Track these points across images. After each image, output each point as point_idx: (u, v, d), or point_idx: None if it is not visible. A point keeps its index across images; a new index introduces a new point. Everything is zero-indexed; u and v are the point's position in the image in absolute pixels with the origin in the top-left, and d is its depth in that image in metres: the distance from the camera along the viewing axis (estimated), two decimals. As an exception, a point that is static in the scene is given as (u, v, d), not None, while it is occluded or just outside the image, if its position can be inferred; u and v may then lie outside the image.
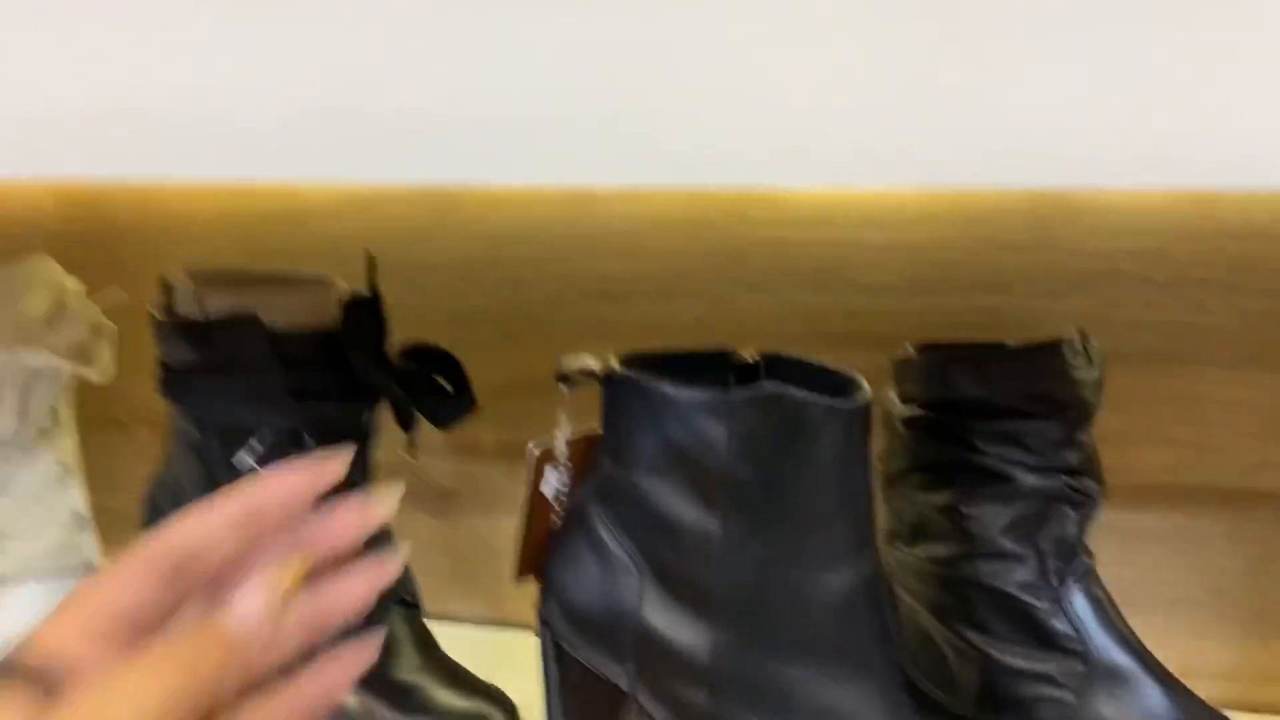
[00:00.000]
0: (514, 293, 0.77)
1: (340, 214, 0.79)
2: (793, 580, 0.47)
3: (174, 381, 0.59)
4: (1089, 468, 0.56)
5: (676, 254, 0.74)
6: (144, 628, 0.32)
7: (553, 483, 0.54)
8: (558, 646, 0.53)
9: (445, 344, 0.62)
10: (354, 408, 0.60)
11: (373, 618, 0.60)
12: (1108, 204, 0.67)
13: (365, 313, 0.58)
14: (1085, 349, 0.55)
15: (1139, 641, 0.54)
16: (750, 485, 0.47)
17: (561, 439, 0.53)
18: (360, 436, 0.61)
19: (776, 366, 0.53)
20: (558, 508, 0.54)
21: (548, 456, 0.53)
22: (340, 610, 0.36)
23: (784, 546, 0.47)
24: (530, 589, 0.55)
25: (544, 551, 0.54)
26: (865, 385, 0.48)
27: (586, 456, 0.53)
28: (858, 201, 0.70)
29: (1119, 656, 0.54)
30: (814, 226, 0.71)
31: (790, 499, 0.47)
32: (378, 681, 0.59)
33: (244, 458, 0.57)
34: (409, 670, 0.60)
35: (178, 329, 0.58)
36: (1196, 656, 0.69)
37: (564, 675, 0.54)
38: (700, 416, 0.47)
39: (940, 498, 0.57)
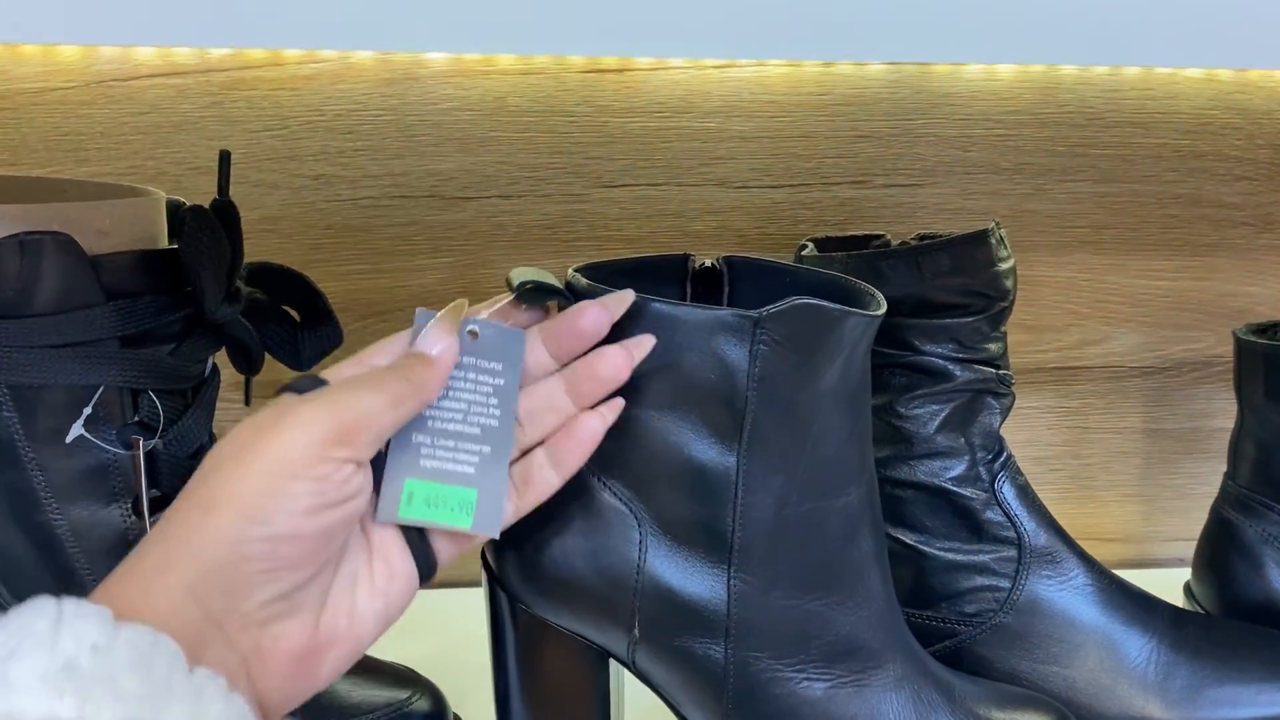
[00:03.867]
0: (320, 196, 0.64)
1: (66, 104, 0.61)
2: (810, 511, 0.43)
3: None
4: (1006, 358, 0.56)
5: (520, 148, 0.65)
6: None
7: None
8: (514, 613, 0.46)
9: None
10: (201, 353, 0.47)
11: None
12: (960, 92, 0.67)
13: (216, 228, 0.45)
14: (1002, 237, 0.55)
15: (1056, 522, 0.56)
16: (772, 414, 0.41)
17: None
18: (209, 390, 0.48)
19: (739, 269, 0.48)
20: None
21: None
22: (602, 376, 0.39)
23: (804, 477, 0.43)
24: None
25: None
26: (865, 285, 0.44)
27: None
28: (721, 89, 0.65)
29: (1046, 539, 0.55)
30: (675, 115, 0.65)
31: (811, 424, 0.42)
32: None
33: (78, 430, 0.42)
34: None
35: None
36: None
37: (525, 645, 0.46)
38: (719, 339, 0.40)
39: (874, 401, 0.55)
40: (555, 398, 0.40)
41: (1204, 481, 0.68)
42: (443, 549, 0.39)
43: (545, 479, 0.40)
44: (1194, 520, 0.66)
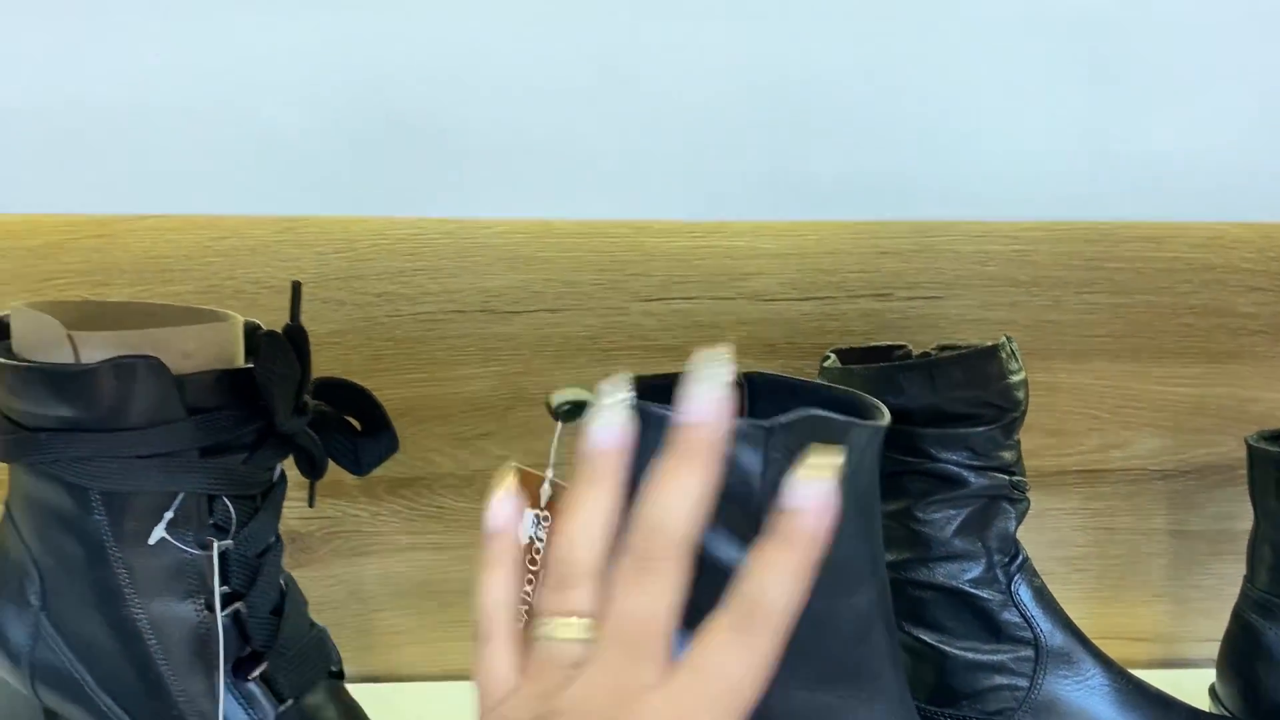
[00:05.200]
0: (382, 311, 0.70)
1: (157, 229, 0.68)
2: (822, 609, 0.46)
3: (32, 441, 0.48)
4: (1021, 464, 0.59)
5: (566, 266, 0.70)
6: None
7: (529, 528, 0.50)
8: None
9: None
10: (270, 461, 0.51)
11: (303, 688, 0.52)
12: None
13: (288, 350, 0.50)
14: (1013, 351, 0.58)
15: (1073, 623, 0.59)
16: (786, 517, 0.45)
17: (547, 482, 0.49)
18: (277, 494, 0.52)
19: (759, 385, 0.52)
20: (536, 556, 0.50)
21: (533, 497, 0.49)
22: None
23: (816, 577, 0.46)
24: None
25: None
26: (873, 400, 0.48)
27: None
28: (751, 209, 0.70)
29: (1062, 640, 0.58)
30: (707, 235, 0.70)
31: (823, 527, 0.46)
32: (314, 770, 0.51)
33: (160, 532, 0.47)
34: (346, 751, 0.53)
35: (40, 376, 0.47)
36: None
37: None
38: (735, 446, 0.44)
39: (893, 506, 0.58)
40: None
41: (1233, 582, 0.69)
42: None
43: None
44: (1225, 621, 0.68)
